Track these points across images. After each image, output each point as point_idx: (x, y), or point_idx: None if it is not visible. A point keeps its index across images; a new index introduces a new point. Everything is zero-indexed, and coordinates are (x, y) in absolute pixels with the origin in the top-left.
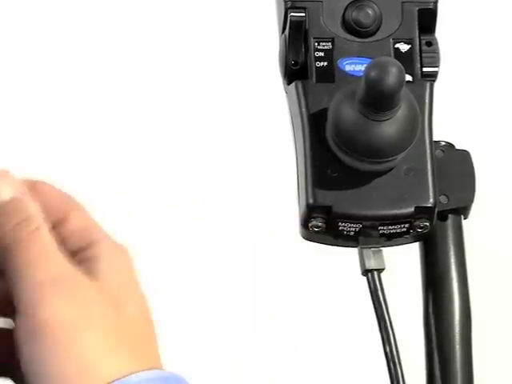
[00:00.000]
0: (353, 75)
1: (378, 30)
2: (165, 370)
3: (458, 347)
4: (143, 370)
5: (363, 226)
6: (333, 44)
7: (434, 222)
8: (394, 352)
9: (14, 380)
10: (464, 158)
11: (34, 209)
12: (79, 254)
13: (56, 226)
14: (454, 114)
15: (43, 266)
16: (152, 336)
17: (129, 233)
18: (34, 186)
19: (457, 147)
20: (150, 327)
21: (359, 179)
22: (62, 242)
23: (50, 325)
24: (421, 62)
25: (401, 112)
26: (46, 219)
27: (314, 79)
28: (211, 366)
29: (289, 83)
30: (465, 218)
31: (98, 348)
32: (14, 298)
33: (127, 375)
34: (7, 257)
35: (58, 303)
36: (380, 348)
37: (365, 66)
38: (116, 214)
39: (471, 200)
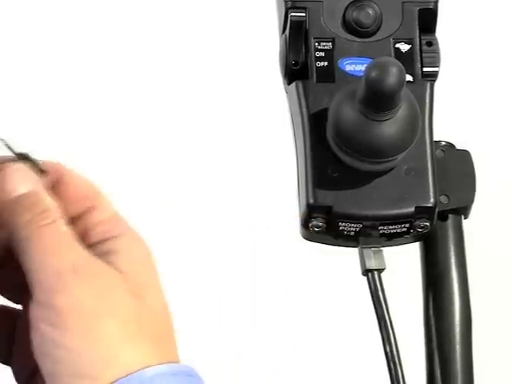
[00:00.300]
0: (353, 75)
1: (378, 29)
2: (180, 364)
3: (458, 347)
4: (160, 364)
5: (363, 225)
6: (333, 44)
7: (435, 221)
8: (395, 352)
9: (7, 364)
10: (464, 157)
11: (49, 202)
12: (103, 244)
13: (81, 216)
14: (455, 114)
15: (62, 255)
16: (171, 328)
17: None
18: (61, 177)
19: (457, 147)
20: (169, 320)
21: (359, 179)
22: (86, 232)
23: (69, 312)
24: (421, 61)
25: (401, 112)
26: (66, 211)
27: (314, 79)
28: (211, 365)
29: (289, 83)
30: (465, 218)
31: (116, 336)
32: (31, 287)
33: (143, 368)
34: (24, 248)
35: (77, 290)
36: (380, 348)
37: (365, 66)
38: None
39: (471, 200)
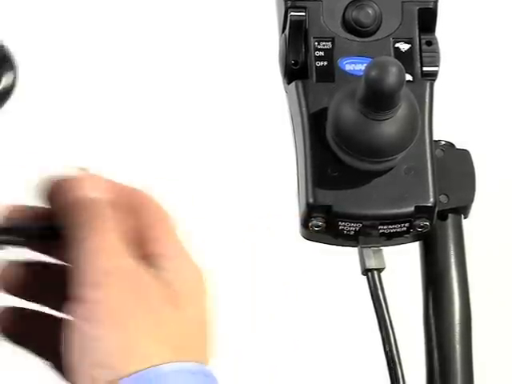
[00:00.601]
0: (353, 75)
1: (378, 29)
2: (201, 364)
3: (457, 346)
4: (179, 361)
5: (363, 225)
6: (333, 43)
7: (434, 221)
8: (394, 351)
9: (47, 360)
10: (464, 157)
11: (109, 212)
12: (155, 259)
13: (140, 230)
14: (454, 114)
15: (109, 257)
16: (204, 341)
17: None
18: (132, 193)
19: (457, 147)
20: (204, 333)
21: (359, 179)
22: (141, 244)
23: (102, 306)
24: (421, 61)
25: (401, 111)
26: (123, 222)
27: (314, 79)
28: (211, 366)
29: (289, 83)
30: (465, 218)
31: (142, 333)
32: (71, 286)
33: (161, 363)
34: (76, 245)
35: (114, 289)
36: (380, 347)
37: (365, 65)
38: None
39: (471, 199)
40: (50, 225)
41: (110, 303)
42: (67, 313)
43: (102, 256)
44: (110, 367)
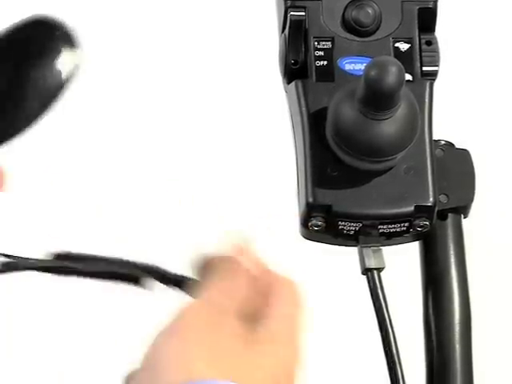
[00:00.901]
0: (353, 74)
1: (377, 29)
2: None
3: (457, 346)
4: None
5: (363, 225)
6: (333, 43)
7: (434, 221)
8: (394, 351)
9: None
10: (464, 157)
11: (239, 277)
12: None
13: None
14: (454, 113)
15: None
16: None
17: (129, 233)
18: (269, 276)
19: (457, 146)
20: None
21: (359, 178)
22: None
23: (181, 330)
24: (421, 61)
25: (400, 111)
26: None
27: (313, 78)
28: None
29: (289, 82)
30: (465, 217)
31: (198, 358)
32: None
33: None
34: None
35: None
36: (380, 347)
37: (364, 65)
38: (116, 214)
39: (471, 199)
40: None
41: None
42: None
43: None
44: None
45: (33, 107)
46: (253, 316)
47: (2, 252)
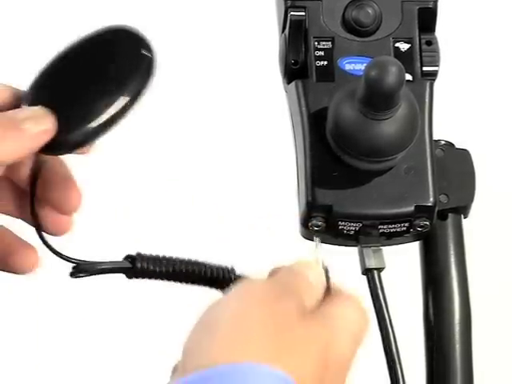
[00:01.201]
0: (353, 74)
1: (377, 29)
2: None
3: (457, 346)
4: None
5: (363, 225)
6: (333, 43)
7: (434, 221)
8: (394, 351)
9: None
10: (464, 157)
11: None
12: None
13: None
14: (454, 113)
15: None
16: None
17: (129, 233)
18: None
19: (457, 146)
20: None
21: (359, 178)
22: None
23: (215, 324)
24: (421, 61)
25: (401, 111)
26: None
27: (314, 78)
28: None
29: (289, 82)
30: (465, 217)
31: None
32: None
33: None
34: None
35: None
36: (380, 347)
37: (365, 65)
38: (115, 214)
39: (471, 199)
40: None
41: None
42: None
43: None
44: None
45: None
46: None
47: (74, 257)
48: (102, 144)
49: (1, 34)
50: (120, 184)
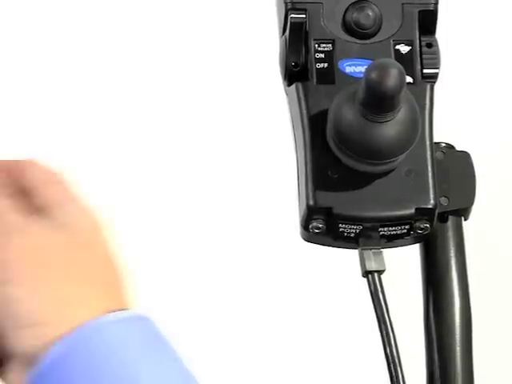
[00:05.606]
0: (353, 76)
1: (378, 31)
2: (130, 310)
3: (458, 348)
4: (111, 311)
5: (364, 227)
6: (333, 45)
7: (435, 223)
8: (395, 353)
9: None
10: (464, 159)
11: None
12: (42, 211)
13: (25, 192)
14: (455, 116)
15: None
16: (119, 277)
17: (128, 233)
18: (12, 164)
19: (457, 148)
20: (117, 268)
21: (360, 181)
22: (29, 204)
23: (13, 264)
24: (421, 63)
25: (401, 113)
26: (6, 189)
27: (314, 81)
28: (211, 366)
29: (289, 85)
30: (465, 220)
31: (63, 282)
32: None
33: (96, 315)
34: None
35: (18, 244)
36: (380, 349)
37: (365, 67)
38: (115, 214)
39: (472, 201)
40: None
41: (18, 259)
42: None
43: None
44: (41, 324)
45: None
46: (29, 204)
47: None
48: (102, 144)
49: (1, 34)
50: (120, 185)
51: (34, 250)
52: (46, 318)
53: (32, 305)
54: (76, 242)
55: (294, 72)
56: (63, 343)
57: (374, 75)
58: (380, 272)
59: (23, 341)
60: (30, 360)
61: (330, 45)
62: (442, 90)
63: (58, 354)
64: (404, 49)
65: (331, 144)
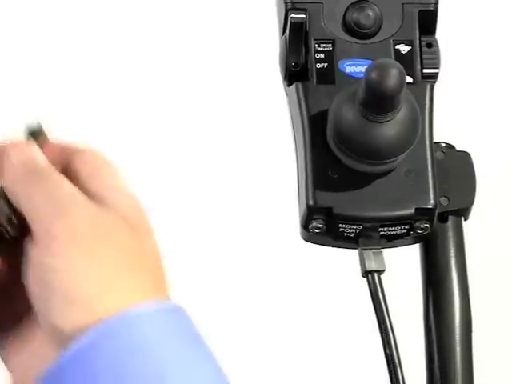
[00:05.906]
0: (353, 76)
1: (378, 31)
2: (170, 301)
3: (458, 348)
4: (157, 301)
5: (363, 227)
6: (333, 45)
7: (435, 223)
8: (395, 354)
9: None
10: (464, 159)
11: (49, 166)
12: (101, 195)
13: (78, 177)
14: (455, 116)
15: (60, 191)
16: (164, 272)
17: None
18: (64, 149)
19: (457, 148)
20: (161, 260)
21: (360, 181)
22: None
23: (64, 237)
24: (421, 63)
25: (401, 113)
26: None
27: (314, 81)
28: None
29: (289, 85)
30: (465, 220)
31: (114, 264)
32: (31, 228)
33: (143, 304)
34: (23, 191)
35: (73, 218)
36: (380, 350)
37: (365, 67)
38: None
39: (472, 201)
40: None
41: (70, 233)
42: (26, 256)
43: (53, 192)
44: (82, 305)
45: None
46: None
47: None
48: (102, 143)
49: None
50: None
51: (91, 228)
52: (87, 299)
53: (82, 283)
54: (127, 227)
55: (294, 72)
56: (102, 326)
57: (374, 75)
58: (380, 272)
59: (65, 316)
60: (64, 338)
61: (330, 45)
62: (441, 90)
63: (91, 338)
64: (404, 49)
65: (331, 144)
